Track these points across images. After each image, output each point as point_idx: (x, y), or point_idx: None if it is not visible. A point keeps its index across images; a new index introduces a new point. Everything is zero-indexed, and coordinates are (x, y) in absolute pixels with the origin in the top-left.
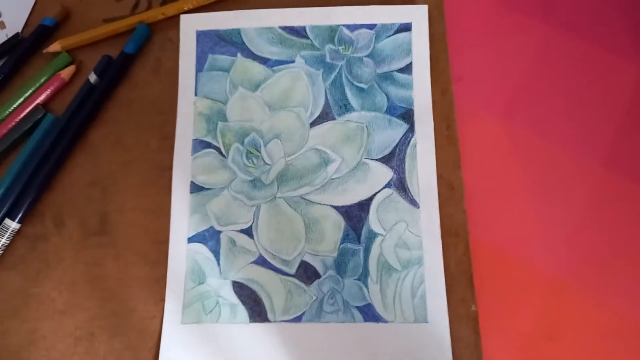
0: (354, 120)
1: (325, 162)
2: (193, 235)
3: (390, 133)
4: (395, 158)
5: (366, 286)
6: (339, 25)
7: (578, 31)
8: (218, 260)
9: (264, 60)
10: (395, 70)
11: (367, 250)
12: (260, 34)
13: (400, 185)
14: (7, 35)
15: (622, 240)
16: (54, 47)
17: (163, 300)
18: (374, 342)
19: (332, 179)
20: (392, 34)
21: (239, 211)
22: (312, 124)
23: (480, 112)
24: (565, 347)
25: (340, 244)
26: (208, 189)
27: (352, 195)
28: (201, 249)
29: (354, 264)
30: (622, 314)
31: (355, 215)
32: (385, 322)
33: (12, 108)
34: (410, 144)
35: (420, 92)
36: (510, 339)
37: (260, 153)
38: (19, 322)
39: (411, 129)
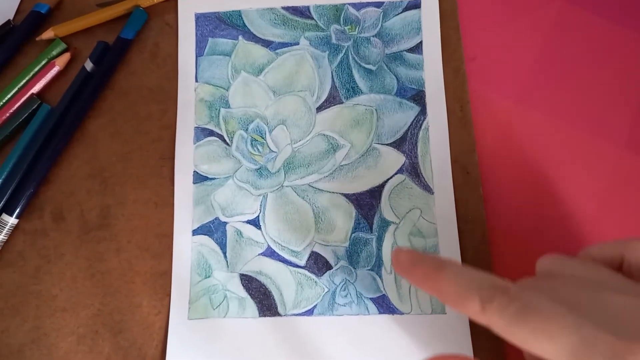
0: (362, 104)
1: (334, 148)
2: (198, 227)
3: (401, 116)
4: (406, 142)
5: (380, 277)
6: (344, 4)
7: (594, 8)
8: (225, 253)
9: (266, 43)
10: (405, 50)
11: (380, 239)
12: (262, 16)
13: (412, 170)
14: None
15: None
16: (47, 34)
17: (168, 295)
18: (390, 335)
19: (341, 165)
20: (401, 12)
21: (244, 201)
22: (319, 109)
23: (494, 93)
24: None
25: (351, 234)
26: (212, 178)
27: (362, 182)
28: (206, 242)
29: (367, 254)
30: None
31: (366, 203)
32: (401, 313)
33: (6, 99)
34: (422, 127)
35: (432, 72)
36: None
37: (265, 140)
38: (19, 320)
39: (423, 112)
